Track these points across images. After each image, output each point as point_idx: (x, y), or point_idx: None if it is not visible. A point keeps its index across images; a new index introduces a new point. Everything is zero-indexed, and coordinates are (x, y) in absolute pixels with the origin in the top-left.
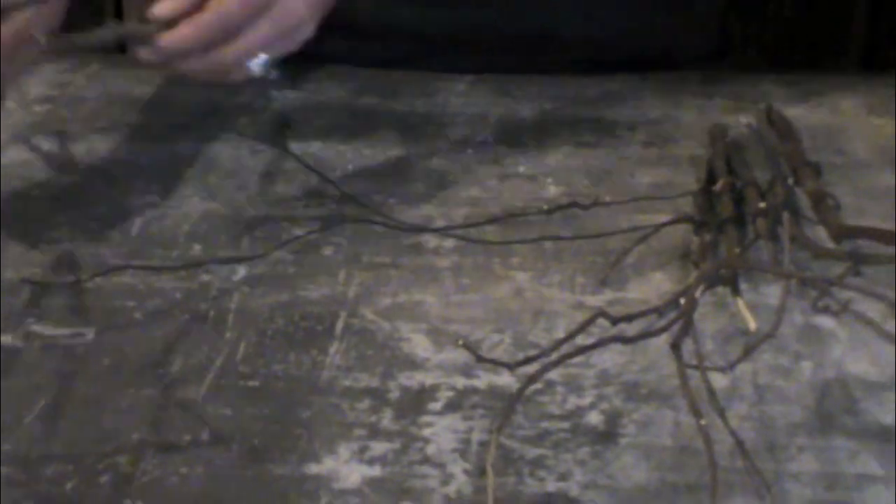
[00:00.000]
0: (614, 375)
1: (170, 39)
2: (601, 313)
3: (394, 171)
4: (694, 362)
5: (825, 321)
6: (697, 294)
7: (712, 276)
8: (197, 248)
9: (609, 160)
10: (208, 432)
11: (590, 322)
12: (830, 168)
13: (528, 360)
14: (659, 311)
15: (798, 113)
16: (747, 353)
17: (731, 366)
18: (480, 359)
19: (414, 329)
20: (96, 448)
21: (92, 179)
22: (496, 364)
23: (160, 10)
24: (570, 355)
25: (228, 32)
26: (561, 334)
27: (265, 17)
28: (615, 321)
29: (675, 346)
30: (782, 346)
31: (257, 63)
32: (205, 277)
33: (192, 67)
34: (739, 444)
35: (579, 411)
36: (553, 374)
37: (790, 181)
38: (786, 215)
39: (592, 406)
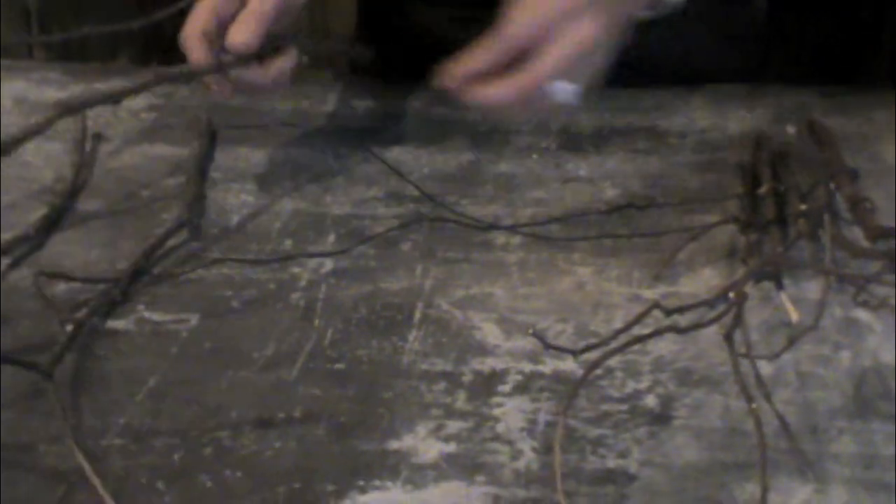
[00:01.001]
0: (668, 362)
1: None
2: (656, 305)
3: (465, 174)
4: (743, 351)
5: (862, 315)
6: (747, 288)
7: (759, 271)
8: (288, 243)
9: (662, 165)
10: (300, 410)
11: (646, 313)
12: (865, 174)
13: (590, 348)
14: (709, 303)
15: (835, 123)
16: (791, 343)
17: (777, 354)
18: (548, 346)
19: (485, 318)
20: (200, 423)
21: (194, 180)
22: (562, 351)
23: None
24: (628, 344)
25: (517, 58)
26: (619, 324)
27: (556, 44)
28: (669, 312)
29: (728, 337)
30: (823, 337)
31: (563, 90)
32: (295, 270)
33: (498, 99)
34: (785, 425)
35: (636, 395)
36: (612, 361)
37: (830, 186)
38: (826, 217)
39: (648, 390)
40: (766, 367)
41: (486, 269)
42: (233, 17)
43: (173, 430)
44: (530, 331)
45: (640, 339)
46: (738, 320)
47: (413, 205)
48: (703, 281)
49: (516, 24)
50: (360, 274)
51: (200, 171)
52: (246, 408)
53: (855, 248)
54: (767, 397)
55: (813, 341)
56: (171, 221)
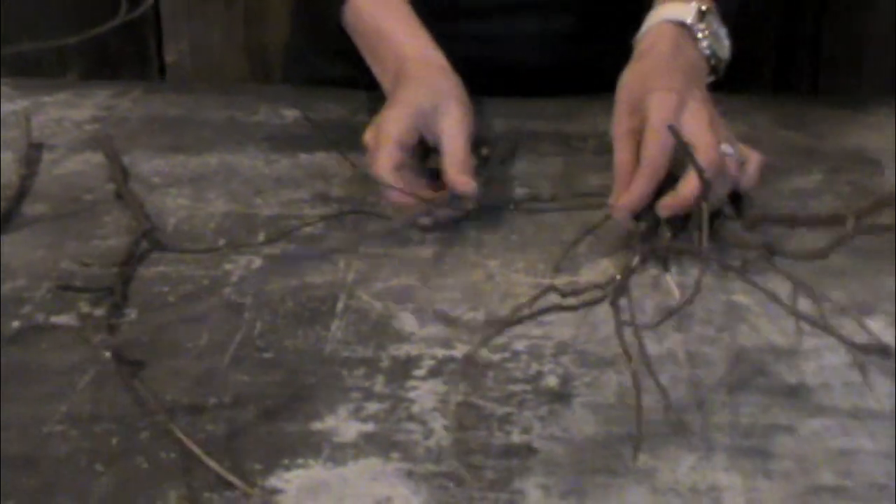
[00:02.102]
0: (569, 346)
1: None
2: (552, 287)
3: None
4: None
5: (742, 299)
6: (633, 264)
7: (645, 252)
8: (221, 242)
9: (567, 168)
10: (230, 396)
11: (543, 293)
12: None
13: (491, 324)
14: (601, 286)
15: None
16: (668, 315)
17: (657, 323)
18: (449, 321)
19: (402, 308)
20: (137, 409)
21: (134, 186)
22: (454, 322)
23: (613, 202)
24: (520, 319)
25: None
26: (526, 311)
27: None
28: (564, 294)
29: (613, 304)
30: (709, 319)
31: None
32: (227, 266)
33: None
34: (665, 395)
35: (539, 375)
36: (518, 345)
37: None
38: (704, 206)
39: (550, 371)
40: (657, 348)
41: (403, 264)
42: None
43: (112, 416)
44: (434, 309)
45: (533, 315)
46: (622, 289)
47: (337, 205)
48: (601, 270)
49: (653, 151)
50: (288, 269)
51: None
52: (180, 394)
53: (731, 239)
54: (648, 364)
55: (700, 323)
56: (111, 224)
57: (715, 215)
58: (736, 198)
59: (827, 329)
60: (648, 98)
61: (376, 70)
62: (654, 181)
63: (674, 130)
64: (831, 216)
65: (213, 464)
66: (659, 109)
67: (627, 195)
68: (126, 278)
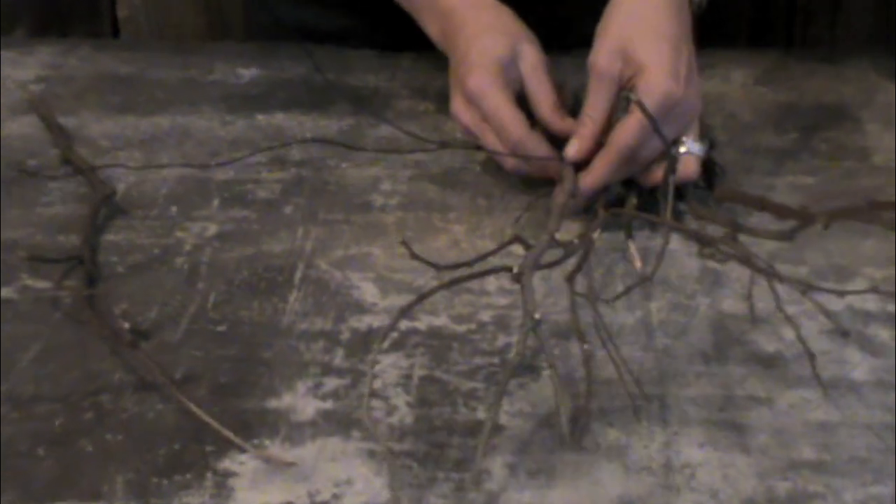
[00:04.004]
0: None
1: (587, 184)
2: (517, 238)
3: (346, 138)
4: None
5: (718, 264)
6: (595, 235)
7: (607, 220)
8: (173, 209)
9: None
10: (182, 372)
11: (506, 245)
12: (721, 130)
13: (455, 266)
14: (563, 245)
15: None
16: (628, 290)
17: (614, 299)
18: (415, 256)
19: (363, 278)
20: (82, 388)
21: (82, 150)
22: (426, 264)
23: (571, 153)
24: (468, 277)
25: (634, 158)
26: (492, 279)
27: (668, 125)
28: (528, 246)
29: (570, 279)
30: (681, 286)
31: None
32: (179, 234)
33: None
34: (619, 371)
35: (507, 348)
36: (484, 316)
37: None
38: (671, 178)
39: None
40: (627, 316)
41: (364, 230)
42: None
43: (55, 396)
44: (401, 240)
45: (481, 275)
46: (582, 265)
47: (295, 169)
48: (572, 233)
49: (629, 139)
50: (243, 237)
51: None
52: (128, 371)
53: (699, 212)
54: (609, 340)
55: (673, 291)
56: (58, 190)
57: (683, 186)
58: (708, 167)
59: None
60: (644, 58)
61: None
62: (622, 169)
63: (640, 106)
64: (802, 212)
65: (236, 439)
66: (651, 91)
67: (590, 176)
68: (94, 247)
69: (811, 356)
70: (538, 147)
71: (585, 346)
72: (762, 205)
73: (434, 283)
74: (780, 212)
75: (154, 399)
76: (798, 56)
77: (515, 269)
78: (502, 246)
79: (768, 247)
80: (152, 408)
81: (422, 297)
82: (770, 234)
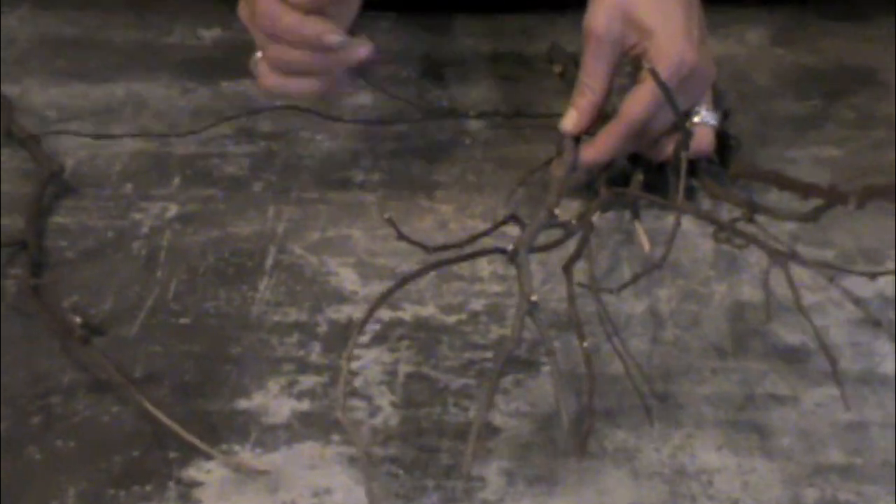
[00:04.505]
0: (535, 303)
1: (590, 157)
2: (513, 217)
3: (322, 107)
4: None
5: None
6: (594, 218)
7: (607, 201)
8: (128, 187)
9: (528, 93)
10: (140, 370)
11: (500, 224)
12: (737, 97)
13: (444, 247)
14: (562, 225)
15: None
16: (635, 279)
17: (619, 289)
18: (402, 237)
19: (341, 263)
20: (29, 389)
21: (25, 121)
22: (415, 245)
23: (568, 126)
24: (457, 259)
25: (643, 131)
26: (485, 264)
27: (681, 94)
28: (524, 226)
29: (566, 269)
30: (694, 272)
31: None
32: (136, 216)
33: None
34: (626, 366)
35: (502, 341)
36: (476, 305)
37: (689, 124)
38: (683, 154)
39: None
40: (635, 305)
41: (343, 210)
42: None
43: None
44: (386, 216)
45: (471, 256)
46: (581, 251)
47: (265, 142)
48: (572, 213)
49: (638, 110)
50: (208, 218)
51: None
52: (79, 370)
53: (713, 191)
54: (613, 334)
55: (685, 276)
56: None
57: (695, 161)
58: (722, 140)
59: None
60: (651, 21)
61: None
62: (630, 143)
63: (654, 74)
64: (830, 191)
65: (202, 445)
66: (663, 57)
67: (593, 150)
68: (39, 230)
69: (832, 361)
70: (316, 27)
71: (585, 345)
72: (783, 182)
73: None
74: (805, 190)
75: (109, 401)
76: (818, 12)
77: (510, 248)
78: (496, 226)
79: (789, 227)
80: (107, 410)
81: (404, 280)
82: (791, 214)
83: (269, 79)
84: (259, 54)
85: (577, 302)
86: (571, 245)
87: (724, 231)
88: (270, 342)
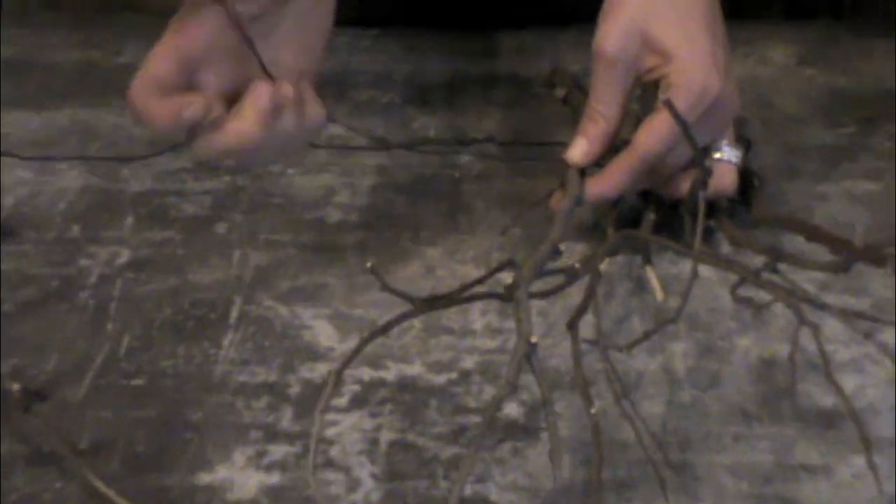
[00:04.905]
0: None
1: (597, 192)
2: (510, 262)
3: None
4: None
5: (763, 295)
6: (602, 266)
7: (616, 245)
8: (75, 229)
9: (527, 120)
10: (88, 440)
11: (497, 270)
12: (760, 125)
13: (434, 299)
14: (564, 270)
15: None
16: (646, 336)
17: (629, 346)
18: (386, 287)
19: (316, 315)
20: None
21: None
22: (399, 296)
23: (576, 156)
24: (443, 303)
25: (658, 166)
26: (477, 316)
27: (703, 126)
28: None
29: (571, 325)
30: (713, 324)
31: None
32: (83, 262)
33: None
34: (639, 434)
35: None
36: (468, 363)
37: (709, 160)
38: (701, 195)
39: (511, 397)
40: (648, 362)
41: (317, 255)
42: None
43: None
44: (368, 264)
45: (469, 300)
46: (587, 304)
47: (229, 177)
48: (575, 257)
49: (654, 141)
50: (164, 264)
51: None
52: (18, 441)
53: (732, 235)
54: (620, 397)
55: (703, 330)
56: None
57: (714, 201)
58: (745, 177)
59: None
60: (671, 43)
61: None
62: (642, 178)
63: (670, 106)
64: (865, 251)
65: None
66: (687, 85)
67: (601, 183)
68: None
69: (860, 427)
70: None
71: (593, 412)
72: (811, 233)
73: (405, 325)
74: (835, 246)
75: (53, 475)
76: (852, 28)
77: (510, 281)
78: (491, 272)
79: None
80: (50, 487)
81: (383, 328)
82: (820, 264)
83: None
84: None
85: (583, 358)
86: (575, 293)
87: (744, 281)
88: (235, 406)
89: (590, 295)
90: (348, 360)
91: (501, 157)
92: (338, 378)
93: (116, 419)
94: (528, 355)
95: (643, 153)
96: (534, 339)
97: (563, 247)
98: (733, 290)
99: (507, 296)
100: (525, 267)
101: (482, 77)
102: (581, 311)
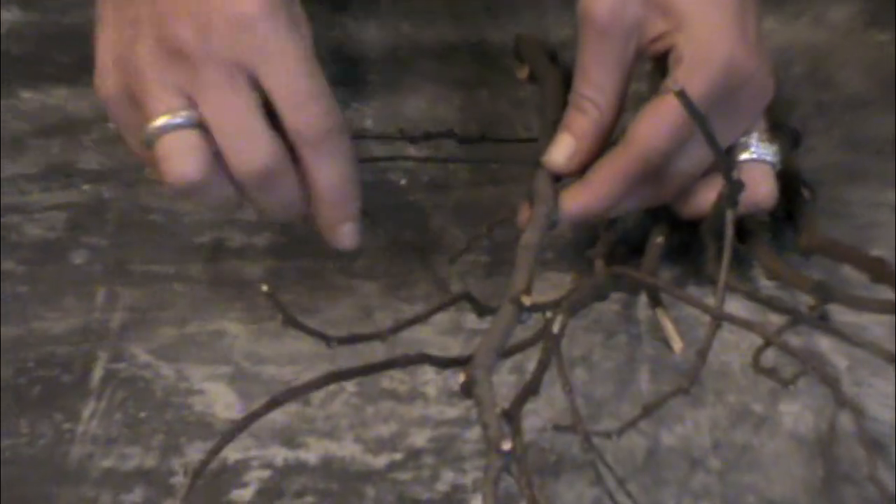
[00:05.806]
0: None
1: (577, 207)
2: (466, 295)
3: None
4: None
5: (823, 342)
6: (556, 328)
7: (578, 303)
8: None
9: (495, 105)
10: None
11: (451, 303)
12: (813, 109)
13: (363, 338)
14: (542, 309)
15: (768, 27)
16: (645, 414)
17: (620, 431)
18: (290, 321)
19: (210, 375)
20: None
21: None
22: (315, 336)
23: (558, 158)
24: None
25: (662, 171)
26: (431, 374)
27: (726, 116)
28: (482, 312)
29: (510, 413)
30: (752, 382)
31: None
32: None
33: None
34: None
35: (456, 491)
36: (418, 439)
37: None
38: (729, 215)
39: (475, 483)
40: (666, 437)
41: (213, 292)
42: None
43: None
44: (265, 287)
45: (401, 363)
46: (536, 384)
47: (91, 186)
48: (557, 290)
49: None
50: (5, 308)
51: None
52: None
53: (770, 267)
54: (618, 489)
55: (737, 390)
56: None
57: (745, 221)
58: (788, 184)
59: None
60: (685, 6)
61: None
62: (640, 187)
63: (681, 96)
64: None
65: None
66: (704, 60)
67: (583, 194)
68: None
69: None
70: None
71: None
72: (878, 272)
73: (332, 387)
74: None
75: None
76: None
77: (462, 377)
78: (436, 308)
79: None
80: None
81: (294, 391)
82: (874, 304)
83: None
84: None
85: (567, 438)
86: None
87: (767, 346)
88: (100, 502)
89: (540, 371)
90: (223, 443)
91: (462, 157)
92: (197, 475)
93: None
94: (505, 469)
95: (641, 151)
96: (506, 447)
97: (528, 300)
98: (756, 357)
99: (463, 388)
100: (479, 353)
101: (436, 47)
102: (525, 393)
